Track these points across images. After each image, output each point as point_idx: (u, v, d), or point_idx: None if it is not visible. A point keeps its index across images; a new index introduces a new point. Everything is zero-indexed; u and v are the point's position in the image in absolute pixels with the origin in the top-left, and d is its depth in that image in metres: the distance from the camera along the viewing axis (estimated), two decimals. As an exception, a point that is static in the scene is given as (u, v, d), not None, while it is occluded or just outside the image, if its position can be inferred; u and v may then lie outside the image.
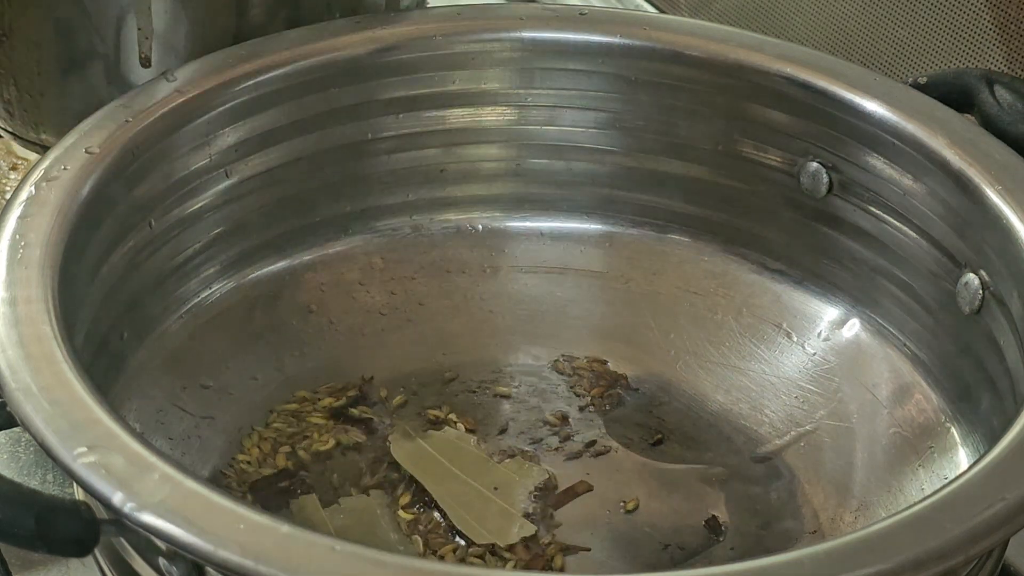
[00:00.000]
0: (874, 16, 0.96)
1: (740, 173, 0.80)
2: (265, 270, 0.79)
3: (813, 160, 0.77)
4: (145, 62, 0.76)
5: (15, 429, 0.75)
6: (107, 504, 0.52)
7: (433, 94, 0.81)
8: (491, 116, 0.82)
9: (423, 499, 0.70)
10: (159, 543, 0.54)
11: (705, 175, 0.81)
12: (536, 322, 0.81)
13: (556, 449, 0.74)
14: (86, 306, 0.66)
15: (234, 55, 0.75)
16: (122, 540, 0.57)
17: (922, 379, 0.74)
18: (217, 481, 0.70)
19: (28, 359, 0.57)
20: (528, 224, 0.84)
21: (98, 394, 0.56)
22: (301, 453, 0.72)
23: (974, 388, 0.70)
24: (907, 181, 0.74)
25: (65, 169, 0.67)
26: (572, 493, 0.72)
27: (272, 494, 0.70)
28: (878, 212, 0.75)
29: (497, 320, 0.81)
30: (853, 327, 0.77)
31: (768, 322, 0.79)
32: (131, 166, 0.70)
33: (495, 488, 0.71)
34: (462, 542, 0.68)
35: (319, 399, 0.75)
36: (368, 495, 0.70)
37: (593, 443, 0.75)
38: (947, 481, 0.57)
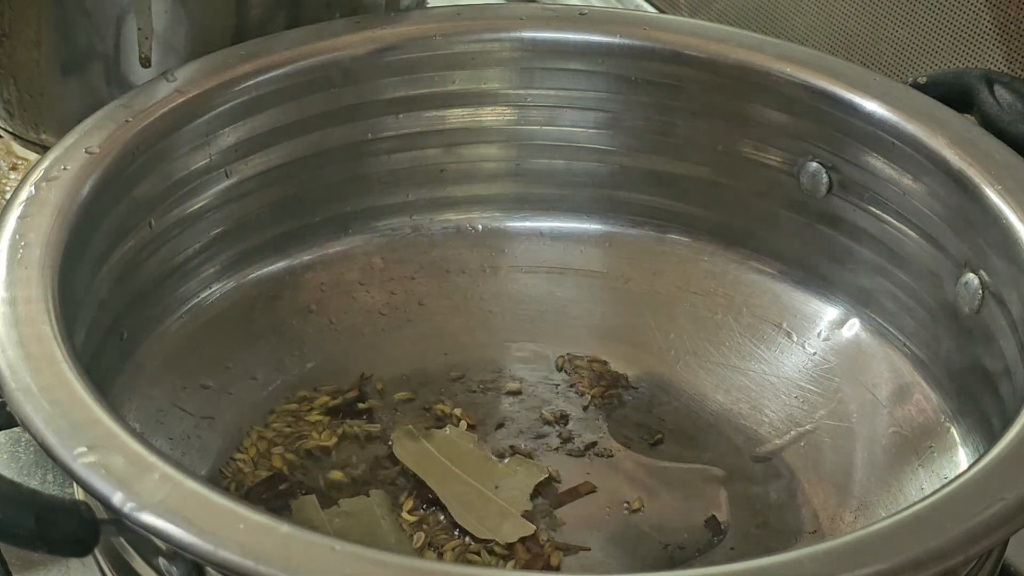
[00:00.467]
0: (874, 16, 0.96)
1: (740, 173, 0.80)
2: (265, 270, 0.79)
3: (813, 160, 0.77)
4: (145, 62, 0.76)
5: (15, 429, 0.75)
6: (107, 504, 0.52)
7: (433, 94, 0.81)
8: (491, 116, 0.82)
9: (426, 498, 0.70)
10: (159, 543, 0.54)
11: (705, 175, 0.81)
12: (536, 322, 0.81)
13: (556, 449, 0.74)
14: (86, 306, 0.66)
15: (234, 55, 0.75)
16: (122, 540, 0.57)
17: (922, 379, 0.74)
18: (216, 481, 0.70)
19: (28, 359, 0.57)
20: (528, 224, 0.84)
21: (98, 394, 0.56)
22: (300, 453, 0.72)
23: (974, 388, 0.70)
24: (907, 181, 0.74)
25: (65, 169, 0.67)
26: (575, 494, 0.72)
27: (271, 496, 0.70)
28: (878, 212, 0.75)
29: (497, 320, 0.81)
30: (853, 327, 0.77)
31: (768, 322, 0.79)
32: (131, 166, 0.70)
33: (496, 487, 0.71)
34: (465, 539, 0.68)
35: (318, 399, 0.75)
36: (368, 495, 0.70)
37: (593, 443, 0.75)
38: (947, 481, 0.57)
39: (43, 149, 0.78)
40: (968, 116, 0.74)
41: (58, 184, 0.66)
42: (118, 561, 0.58)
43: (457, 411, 0.75)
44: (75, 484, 0.58)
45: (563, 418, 0.76)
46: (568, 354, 0.79)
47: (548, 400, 0.77)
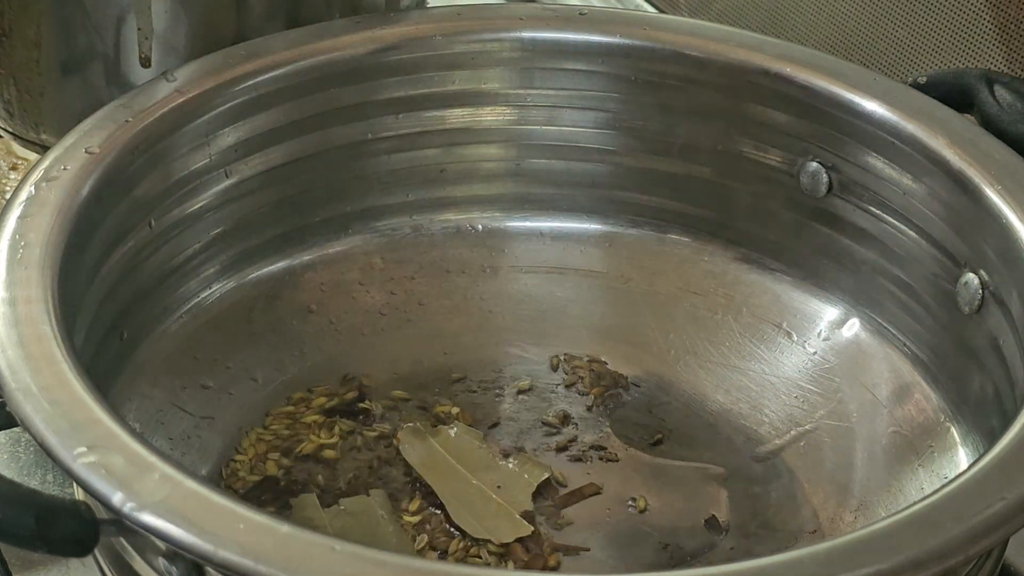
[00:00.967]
0: (874, 16, 0.96)
1: (740, 173, 0.80)
2: (265, 270, 0.79)
3: (813, 160, 0.77)
4: (145, 62, 0.76)
5: (15, 429, 0.74)
6: (107, 504, 0.52)
7: (433, 94, 0.81)
8: (491, 116, 0.82)
9: (429, 498, 0.70)
10: (159, 543, 0.54)
11: (705, 175, 0.81)
12: (536, 322, 0.81)
13: (556, 449, 0.74)
14: (86, 306, 0.66)
15: (234, 55, 0.75)
16: (122, 540, 0.57)
17: (922, 379, 0.74)
18: (215, 482, 0.70)
19: (28, 359, 0.57)
20: (528, 224, 0.84)
21: (98, 394, 0.56)
22: (299, 454, 0.72)
23: (974, 388, 0.70)
24: (907, 181, 0.74)
25: (65, 169, 0.67)
26: (579, 495, 0.72)
27: (271, 496, 0.70)
28: (878, 212, 0.75)
29: (497, 320, 0.81)
30: (853, 327, 0.77)
31: (768, 322, 0.79)
32: (131, 166, 0.70)
33: (498, 487, 0.71)
34: (466, 540, 0.68)
35: (317, 399, 0.75)
36: (368, 495, 0.70)
37: (593, 443, 0.75)
38: (947, 481, 0.57)
39: (43, 149, 0.78)
40: (968, 116, 0.74)
41: (58, 184, 0.66)
42: (118, 561, 0.58)
43: (455, 411, 0.75)
44: (75, 484, 0.58)
45: (563, 418, 0.76)
46: (568, 354, 0.79)
47: (548, 400, 0.77)
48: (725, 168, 0.80)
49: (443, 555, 0.68)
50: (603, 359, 0.79)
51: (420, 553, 0.68)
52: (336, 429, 0.74)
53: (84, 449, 0.54)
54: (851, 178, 0.76)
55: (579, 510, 0.71)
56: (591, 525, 0.70)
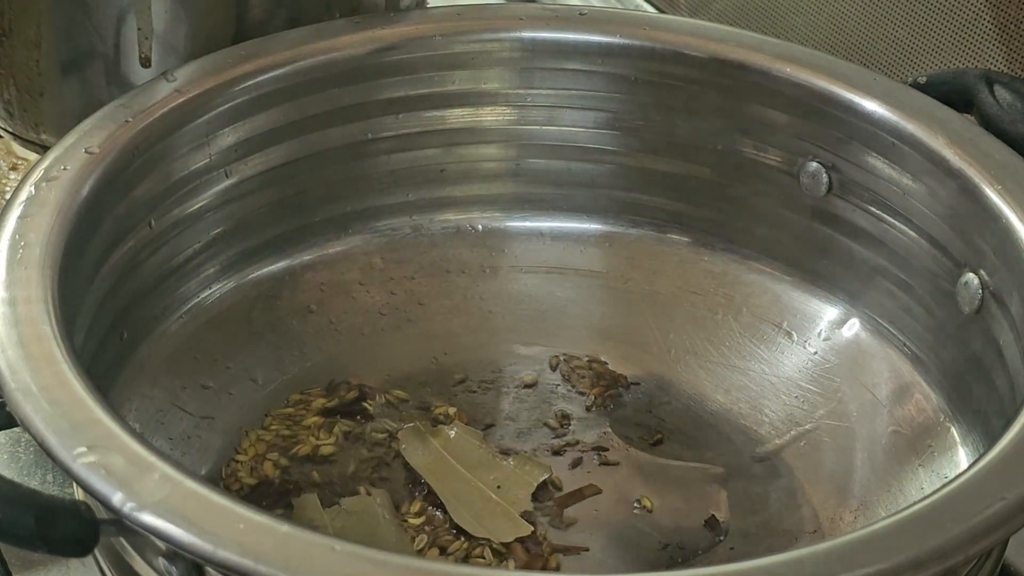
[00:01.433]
0: (874, 16, 0.96)
1: (740, 173, 0.80)
2: (265, 270, 0.79)
3: (813, 160, 0.77)
4: (145, 62, 0.76)
5: (15, 429, 0.74)
6: (107, 504, 0.52)
7: (433, 94, 0.81)
8: (491, 116, 0.82)
9: (430, 498, 0.70)
10: (159, 543, 0.54)
11: (705, 175, 0.81)
12: (536, 322, 0.81)
13: (556, 449, 0.74)
14: (86, 306, 0.66)
15: (234, 55, 0.75)
16: (122, 540, 0.57)
17: (922, 379, 0.74)
18: (215, 482, 0.70)
19: (28, 359, 0.57)
20: (528, 224, 0.84)
21: (98, 394, 0.56)
22: (299, 455, 0.72)
23: (974, 388, 0.70)
24: (907, 181, 0.74)
25: (65, 169, 0.67)
26: (579, 495, 0.72)
27: (271, 496, 0.70)
28: (878, 212, 0.75)
29: (497, 320, 0.81)
30: (853, 327, 0.77)
31: (768, 322, 0.79)
32: (131, 166, 0.70)
33: (498, 487, 0.71)
34: (467, 541, 0.68)
35: (317, 400, 0.75)
36: (369, 495, 0.70)
37: (593, 443, 0.75)
38: (947, 481, 0.57)
39: (43, 149, 0.78)
40: (968, 116, 0.74)
41: (58, 184, 0.66)
42: (118, 561, 0.58)
43: (451, 410, 0.75)
44: (75, 484, 0.58)
45: (563, 418, 0.76)
46: (568, 354, 0.79)
47: (548, 400, 0.77)
48: (725, 168, 0.80)
49: (444, 555, 0.68)
50: (603, 359, 0.79)
51: (421, 553, 0.68)
52: (336, 429, 0.74)
53: (84, 449, 0.54)
54: (851, 178, 0.76)
55: (579, 510, 0.71)
56: (591, 525, 0.70)
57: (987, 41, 0.89)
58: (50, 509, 0.53)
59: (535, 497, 0.71)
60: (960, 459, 0.70)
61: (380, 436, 0.74)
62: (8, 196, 0.66)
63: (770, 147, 0.79)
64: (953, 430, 0.71)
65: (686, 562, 0.69)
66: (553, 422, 0.76)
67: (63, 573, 0.68)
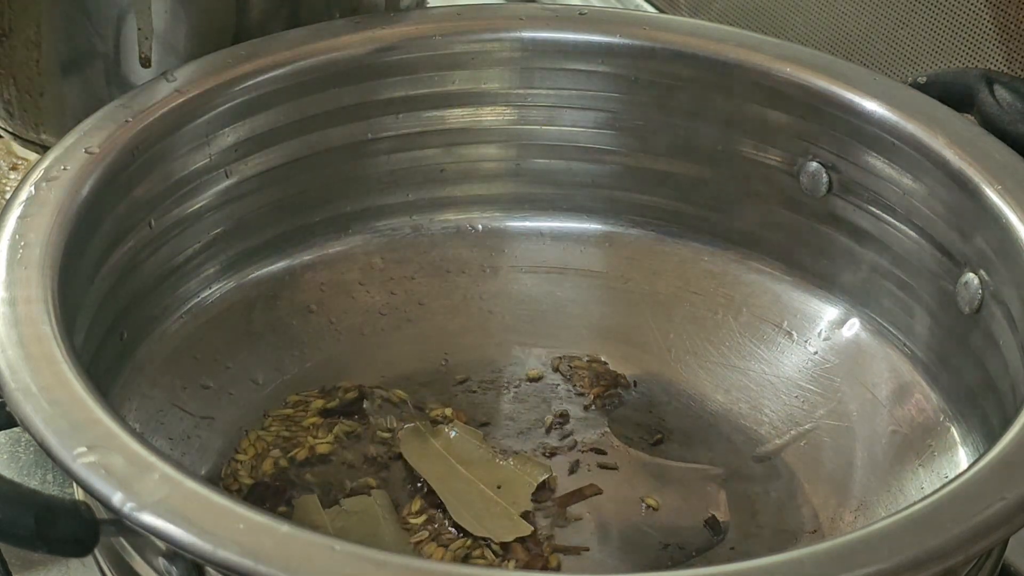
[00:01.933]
0: (874, 16, 0.96)
1: (740, 173, 0.80)
2: (265, 270, 0.79)
3: (813, 160, 0.77)
4: (145, 62, 0.76)
5: (15, 429, 0.74)
6: (107, 504, 0.52)
7: (433, 94, 0.81)
8: (491, 116, 0.82)
9: (430, 499, 0.70)
10: (159, 543, 0.54)
11: (705, 175, 0.81)
12: (536, 322, 0.81)
13: (556, 449, 0.74)
14: (86, 306, 0.66)
15: (234, 55, 0.75)
16: (122, 540, 0.57)
17: (922, 379, 0.74)
18: (215, 482, 0.70)
19: (28, 359, 0.57)
20: (528, 224, 0.84)
21: (98, 394, 0.56)
22: (299, 455, 0.72)
23: (974, 388, 0.70)
24: (907, 181, 0.74)
25: (65, 169, 0.67)
26: (579, 495, 0.72)
27: (271, 497, 0.70)
28: (878, 212, 0.76)
29: (497, 320, 0.81)
30: (853, 327, 0.77)
31: (768, 322, 0.79)
32: (131, 166, 0.70)
33: (498, 487, 0.71)
34: (467, 541, 0.68)
35: (316, 400, 0.75)
36: (369, 495, 0.70)
37: (593, 443, 0.75)
38: (947, 480, 0.57)
39: (43, 149, 0.78)
40: (968, 116, 0.74)
41: (58, 184, 0.66)
42: (118, 561, 0.58)
43: (447, 411, 0.75)
44: (75, 484, 0.58)
45: (563, 418, 0.76)
46: (568, 354, 0.79)
47: (548, 400, 0.77)
48: (725, 168, 0.80)
49: (444, 555, 0.68)
50: (603, 359, 0.79)
51: (421, 553, 0.68)
52: (336, 430, 0.74)
53: (84, 449, 0.54)
54: (851, 178, 0.76)
55: (579, 510, 0.71)
56: (591, 525, 0.70)
57: (987, 41, 0.89)
58: (50, 509, 0.53)
59: (535, 497, 0.71)
60: (960, 459, 0.70)
61: (380, 436, 0.74)
62: (8, 196, 0.66)
63: (770, 147, 0.79)
64: (953, 430, 0.71)
65: (686, 562, 0.69)
66: (553, 422, 0.76)
67: (63, 573, 0.68)
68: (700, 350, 0.79)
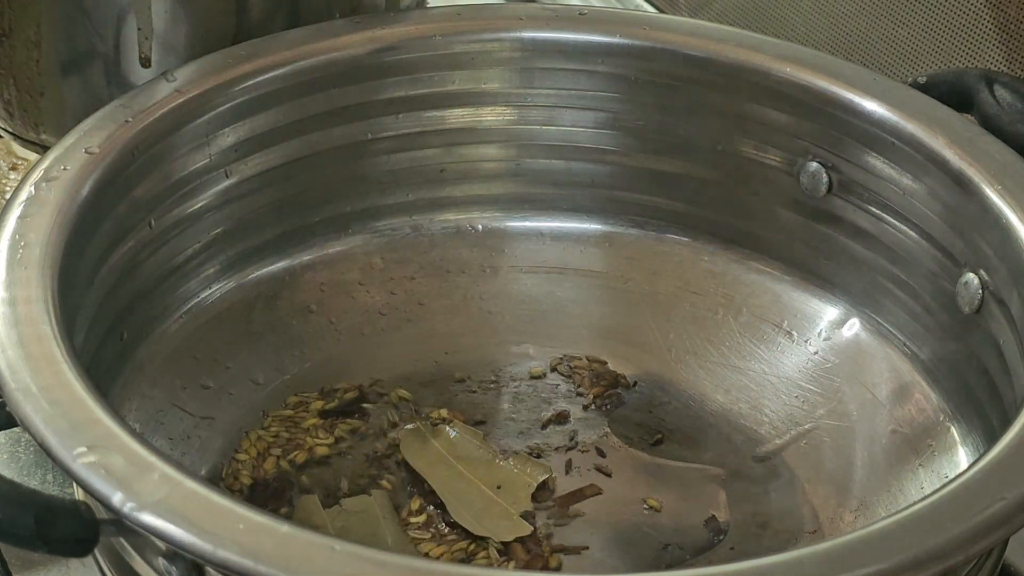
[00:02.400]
0: (874, 16, 0.96)
1: (740, 173, 0.80)
2: (265, 270, 0.79)
3: (813, 160, 0.77)
4: (145, 62, 0.76)
5: (15, 429, 0.74)
6: (107, 504, 0.52)
7: (433, 94, 0.81)
8: (491, 116, 0.82)
9: (430, 499, 0.70)
10: (159, 543, 0.54)
11: (705, 175, 0.81)
12: (536, 322, 0.81)
13: (556, 449, 0.74)
14: (86, 306, 0.66)
15: (234, 55, 0.75)
16: (122, 540, 0.57)
17: (922, 379, 0.74)
18: (215, 482, 0.70)
19: (28, 359, 0.57)
20: (528, 224, 0.84)
21: (98, 394, 0.56)
22: (299, 455, 0.72)
23: (974, 388, 0.70)
24: (907, 181, 0.74)
25: (65, 169, 0.67)
26: (580, 495, 0.72)
27: (271, 497, 0.70)
28: (878, 212, 0.76)
29: (497, 320, 0.81)
30: (853, 327, 0.77)
31: (768, 322, 0.79)
32: (131, 166, 0.70)
33: (498, 487, 0.71)
34: (467, 541, 0.68)
35: (316, 400, 0.75)
36: (369, 495, 0.70)
37: (593, 443, 0.75)
38: (947, 480, 0.57)
39: (43, 149, 0.78)
40: (968, 116, 0.74)
41: (58, 184, 0.66)
42: (118, 561, 0.58)
43: (444, 411, 0.75)
44: (75, 484, 0.58)
45: (563, 418, 0.76)
46: (568, 354, 0.79)
47: (548, 400, 0.77)
48: (725, 168, 0.80)
49: (444, 555, 0.68)
50: (603, 359, 0.79)
51: (421, 553, 0.68)
52: (336, 430, 0.74)
53: (84, 449, 0.54)
54: (851, 178, 0.76)
55: (579, 510, 0.71)
56: (591, 525, 0.70)
57: (987, 41, 0.89)
58: (50, 509, 0.53)
59: (535, 497, 0.71)
60: (960, 459, 0.70)
61: (379, 436, 0.74)
62: (8, 196, 0.66)
63: (770, 147, 0.79)
64: (953, 430, 0.71)
65: (686, 562, 0.69)
66: (553, 422, 0.76)
67: (63, 573, 0.68)
68: (700, 350, 0.79)
